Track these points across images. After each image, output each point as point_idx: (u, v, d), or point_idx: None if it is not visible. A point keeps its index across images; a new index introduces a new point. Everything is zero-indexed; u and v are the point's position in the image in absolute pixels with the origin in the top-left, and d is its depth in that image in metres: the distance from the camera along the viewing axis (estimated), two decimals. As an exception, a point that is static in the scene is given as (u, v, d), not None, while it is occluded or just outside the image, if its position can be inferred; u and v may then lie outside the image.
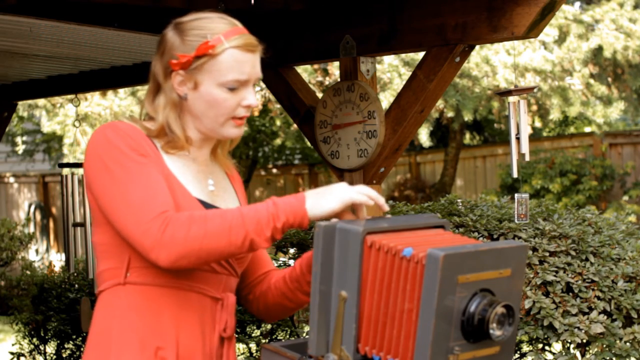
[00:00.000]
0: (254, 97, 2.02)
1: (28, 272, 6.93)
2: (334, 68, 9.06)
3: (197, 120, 2.04)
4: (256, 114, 10.19)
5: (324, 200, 1.87)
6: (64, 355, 5.08)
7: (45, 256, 13.97)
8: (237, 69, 1.99)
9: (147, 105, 2.07)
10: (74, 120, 9.51)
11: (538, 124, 11.69)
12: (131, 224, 1.87)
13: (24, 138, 12.26)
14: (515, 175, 3.60)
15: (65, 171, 4.68)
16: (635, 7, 9.97)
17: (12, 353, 5.28)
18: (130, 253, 1.95)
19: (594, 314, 3.53)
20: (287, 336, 4.77)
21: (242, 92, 2.01)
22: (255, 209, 1.87)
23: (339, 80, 4.04)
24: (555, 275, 3.60)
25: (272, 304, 2.17)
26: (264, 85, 9.45)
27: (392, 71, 8.80)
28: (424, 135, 10.30)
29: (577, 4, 11.68)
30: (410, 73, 7.32)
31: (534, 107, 9.72)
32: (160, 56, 2.07)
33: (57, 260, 13.01)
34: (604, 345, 3.53)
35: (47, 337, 5.17)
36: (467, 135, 14.10)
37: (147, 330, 1.96)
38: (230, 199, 2.13)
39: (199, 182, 2.04)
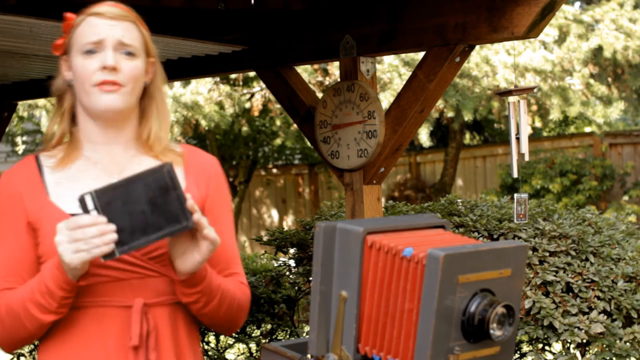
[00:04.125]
0: (111, 57, 1.93)
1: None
2: (334, 68, 9.06)
3: (79, 102, 2.00)
4: (256, 114, 10.19)
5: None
6: (64, 355, 5.07)
7: (45, 256, 13.96)
8: (91, 33, 1.95)
9: None
10: (74, 120, 9.48)
11: (538, 124, 11.69)
12: None
13: (24, 138, 12.25)
14: (515, 175, 3.60)
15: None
16: (635, 7, 9.97)
17: (12, 353, 5.28)
18: None
19: (594, 314, 3.53)
20: (287, 336, 4.77)
21: (100, 56, 1.94)
22: (30, 290, 1.87)
23: (339, 80, 4.04)
24: (555, 275, 3.60)
25: None
26: (264, 85, 9.46)
27: (392, 71, 8.81)
28: (424, 135, 10.30)
29: (577, 4, 11.69)
30: (410, 73, 7.32)
31: (534, 107, 9.72)
32: None
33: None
34: (604, 345, 3.53)
35: (47, 337, 5.16)
36: (467, 135, 14.10)
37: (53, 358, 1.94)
38: None
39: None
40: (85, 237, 1.77)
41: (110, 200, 1.78)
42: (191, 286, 1.90)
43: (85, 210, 1.78)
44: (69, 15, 1.99)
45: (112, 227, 1.77)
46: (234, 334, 4.81)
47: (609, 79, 9.74)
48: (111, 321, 1.92)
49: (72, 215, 1.88)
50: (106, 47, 1.94)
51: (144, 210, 1.78)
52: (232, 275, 2.05)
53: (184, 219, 1.81)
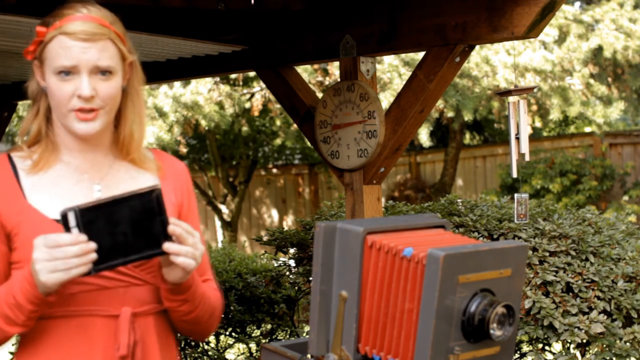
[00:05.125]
0: (87, 86, 1.85)
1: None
2: (334, 68, 9.06)
3: (55, 114, 1.94)
4: (256, 114, 10.19)
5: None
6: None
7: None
8: (63, 56, 1.86)
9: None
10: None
11: (538, 124, 11.69)
12: None
13: (24, 138, 12.26)
14: (515, 175, 3.60)
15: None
16: (635, 7, 9.97)
17: (11, 353, 5.28)
18: None
19: (594, 314, 3.53)
20: (287, 336, 4.77)
21: (75, 81, 1.87)
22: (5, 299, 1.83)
23: (339, 80, 4.04)
24: (555, 275, 3.60)
25: None
26: (264, 85, 9.46)
27: (392, 71, 8.80)
28: (424, 135, 10.29)
29: (577, 4, 11.69)
30: (410, 73, 7.33)
31: (534, 107, 9.72)
32: None
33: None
34: (604, 345, 3.53)
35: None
36: (467, 135, 14.10)
37: None
38: None
39: (74, 196, 1.92)
40: (65, 257, 1.73)
41: (93, 219, 1.75)
42: (176, 294, 1.90)
43: (66, 226, 1.74)
44: (39, 29, 1.91)
45: (93, 246, 1.74)
46: (233, 334, 4.81)
47: (609, 79, 9.74)
48: (97, 331, 1.89)
49: (56, 220, 1.84)
50: (81, 72, 1.86)
51: (126, 231, 1.77)
52: (206, 282, 2.05)
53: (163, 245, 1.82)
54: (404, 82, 4.93)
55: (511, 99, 3.59)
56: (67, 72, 1.87)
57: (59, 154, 1.96)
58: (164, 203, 1.80)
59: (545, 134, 14.19)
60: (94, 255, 1.74)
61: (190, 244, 1.82)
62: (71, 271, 1.74)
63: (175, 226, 1.81)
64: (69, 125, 1.90)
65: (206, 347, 4.89)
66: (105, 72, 1.88)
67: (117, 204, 1.76)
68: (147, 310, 1.94)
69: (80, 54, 1.86)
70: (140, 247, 1.79)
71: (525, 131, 3.55)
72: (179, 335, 2.07)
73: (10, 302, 1.81)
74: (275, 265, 4.86)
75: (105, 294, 1.89)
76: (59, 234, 1.74)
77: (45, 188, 1.92)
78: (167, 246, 1.80)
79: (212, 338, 4.96)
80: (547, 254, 3.68)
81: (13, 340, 5.93)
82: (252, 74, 9.58)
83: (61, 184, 1.94)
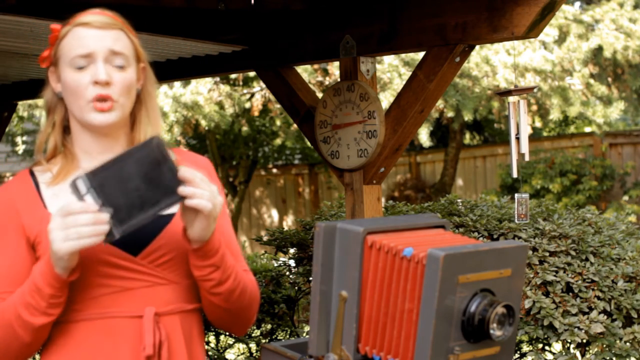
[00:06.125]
0: (102, 71, 1.88)
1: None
2: (334, 68, 9.06)
3: (72, 114, 1.96)
4: (256, 114, 10.19)
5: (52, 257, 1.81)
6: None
7: (45, 256, 13.93)
8: (77, 45, 1.89)
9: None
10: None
11: (538, 124, 11.70)
12: None
13: (24, 138, 12.26)
14: (515, 175, 3.61)
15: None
16: (635, 7, 9.97)
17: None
18: None
19: (594, 314, 3.53)
20: (287, 336, 4.77)
21: (91, 69, 1.89)
22: (21, 291, 1.84)
23: (339, 80, 4.04)
24: (555, 275, 3.60)
25: None
26: (264, 85, 9.46)
27: (392, 71, 8.80)
28: (424, 135, 10.30)
29: (577, 4, 11.69)
30: (410, 73, 7.33)
31: (534, 107, 9.72)
32: None
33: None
34: (604, 345, 3.53)
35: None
36: (467, 135, 14.10)
37: None
38: None
39: None
40: (76, 225, 1.73)
41: (103, 182, 1.74)
42: (203, 257, 1.87)
43: (79, 195, 1.74)
44: (54, 26, 1.94)
45: (105, 216, 1.73)
46: (233, 334, 4.81)
47: (609, 79, 9.74)
48: (122, 332, 1.89)
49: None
50: (97, 59, 1.89)
51: (138, 186, 1.76)
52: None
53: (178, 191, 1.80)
54: (404, 82, 4.93)
55: (511, 99, 3.59)
56: (83, 64, 1.90)
57: (78, 161, 1.98)
58: (167, 151, 1.78)
59: (545, 134, 14.20)
60: (105, 227, 1.73)
61: (206, 189, 1.81)
62: (82, 240, 1.73)
63: (186, 171, 1.79)
64: (86, 117, 1.92)
65: (206, 347, 4.89)
66: (120, 65, 1.92)
67: (122, 160, 1.76)
68: (172, 310, 1.93)
69: (95, 41, 1.90)
70: (156, 198, 1.77)
71: (525, 131, 3.55)
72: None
73: (31, 289, 1.82)
74: (275, 265, 4.86)
75: (128, 295, 1.89)
76: (70, 202, 1.74)
77: (64, 195, 1.93)
78: (182, 189, 1.78)
79: (212, 338, 4.97)
80: (547, 254, 3.68)
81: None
82: (252, 74, 9.58)
83: None
